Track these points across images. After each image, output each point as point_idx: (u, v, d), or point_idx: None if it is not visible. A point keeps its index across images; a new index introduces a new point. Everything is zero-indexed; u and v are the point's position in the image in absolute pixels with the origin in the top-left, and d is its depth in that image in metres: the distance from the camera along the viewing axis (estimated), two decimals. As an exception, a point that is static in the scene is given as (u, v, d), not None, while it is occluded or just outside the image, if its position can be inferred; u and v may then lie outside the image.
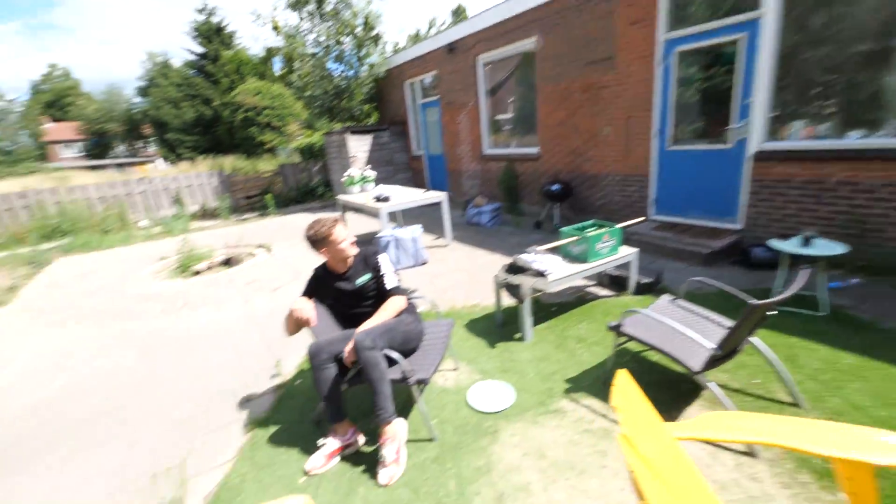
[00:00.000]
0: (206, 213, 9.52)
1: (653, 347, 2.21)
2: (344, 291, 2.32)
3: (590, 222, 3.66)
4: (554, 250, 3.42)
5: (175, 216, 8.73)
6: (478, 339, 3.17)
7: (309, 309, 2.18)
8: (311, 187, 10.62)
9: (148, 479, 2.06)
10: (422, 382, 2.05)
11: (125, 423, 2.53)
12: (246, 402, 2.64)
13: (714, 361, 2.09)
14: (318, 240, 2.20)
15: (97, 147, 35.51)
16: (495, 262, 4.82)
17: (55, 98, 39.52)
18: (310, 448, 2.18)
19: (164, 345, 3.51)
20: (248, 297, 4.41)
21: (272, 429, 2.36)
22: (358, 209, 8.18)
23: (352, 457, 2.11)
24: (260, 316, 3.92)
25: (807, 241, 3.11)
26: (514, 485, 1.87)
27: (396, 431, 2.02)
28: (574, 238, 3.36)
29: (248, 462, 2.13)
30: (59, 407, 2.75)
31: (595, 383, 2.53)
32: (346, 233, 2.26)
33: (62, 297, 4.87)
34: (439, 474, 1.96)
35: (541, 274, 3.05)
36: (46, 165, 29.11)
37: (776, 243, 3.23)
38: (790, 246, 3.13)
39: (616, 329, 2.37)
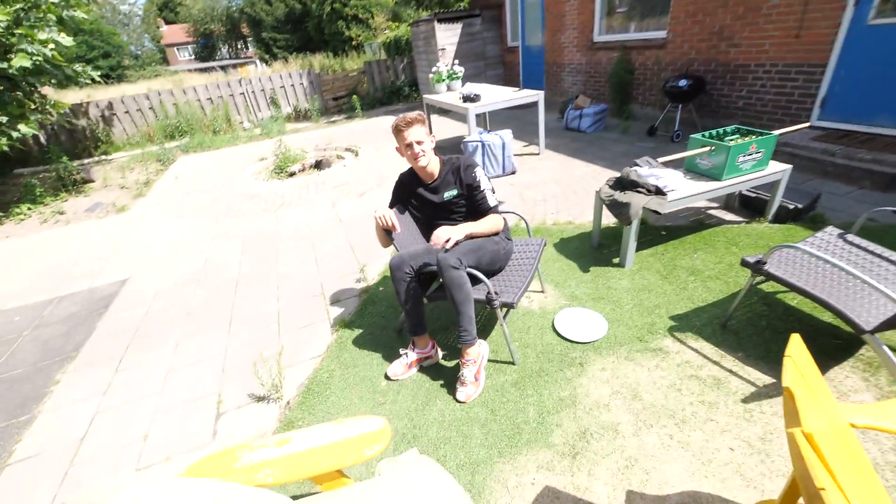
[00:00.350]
0: (298, 115, 9.79)
1: (807, 295, 1.75)
2: (429, 202, 2.14)
3: (730, 128, 2.91)
4: (673, 163, 2.82)
5: (272, 118, 9.11)
6: (569, 260, 2.89)
7: (391, 216, 2.07)
8: (397, 87, 10.21)
9: (250, 366, 2.32)
10: (507, 306, 1.90)
11: (229, 313, 2.84)
12: (333, 302, 2.78)
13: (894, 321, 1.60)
14: (394, 132, 2.00)
15: (205, 49, 37.74)
16: (594, 175, 4.25)
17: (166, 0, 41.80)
18: (391, 354, 2.24)
19: (262, 242, 3.81)
20: (336, 201, 4.53)
21: (356, 332, 2.47)
22: (444, 110, 7.72)
23: (431, 369, 2.13)
24: (347, 220, 4.02)
25: None
26: (601, 423, 1.74)
27: (479, 353, 1.96)
28: (706, 148, 2.70)
29: (335, 360, 2.27)
30: (177, 294, 3.19)
31: (709, 324, 2.17)
32: (421, 135, 1.97)
33: (184, 192, 5.50)
34: (518, 399, 1.89)
35: (658, 191, 2.55)
36: (168, 69, 32.01)
37: None
38: None
39: (755, 267, 1.91)
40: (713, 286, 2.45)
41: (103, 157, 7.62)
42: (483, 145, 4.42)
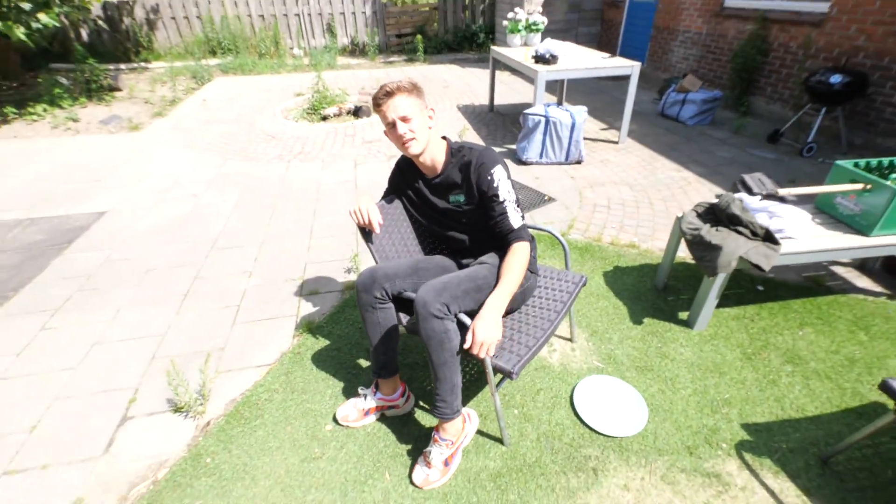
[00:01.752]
0: (354, 49, 9.35)
1: None
2: (430, 203, 1.67)
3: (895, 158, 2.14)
4: (804, 197, 2.11)
5: (326, 48, 8.73)
6: (618, 300, 2.32)
7: (373, 211, 1.62)
8: (471, 32, 9.42)
9: (184, 357, 2.03)
10: (503, 374, 1.43)
11: (188, 282, 2.57)
12: (309, 294, 2.43)
13: None
14: (373, 106, 1.50)
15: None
16: (682, 185, 3.52)
17: None
18: (354, 384, 1.87)
19: (261, 197, 3.52)
20: (361, 160, 4.13)
21: (322, 342, 2.11)
22: (513, 68, 7.04)
23: (396, 420, 1.73)
24: (363, 186, 3.62)
25: None
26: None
27: (460, 432, 1.53)
28: (857, 185, 1.98)
29: (282, 378, 1.93)
30: (145, 244, 2.96)
31: (801, 452, 1.58)
32: (409, 109, 1.44)
33: (205, 119, 5.33)
34: (493, 500, 1.46)
35: (769, 237, 1.90)
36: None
37: None
38: None
39: (893, 393, 1.29)
40: (819, 388, 1.83)
41: (142, 64, 7.66)
42: (547, 122, 3.78)
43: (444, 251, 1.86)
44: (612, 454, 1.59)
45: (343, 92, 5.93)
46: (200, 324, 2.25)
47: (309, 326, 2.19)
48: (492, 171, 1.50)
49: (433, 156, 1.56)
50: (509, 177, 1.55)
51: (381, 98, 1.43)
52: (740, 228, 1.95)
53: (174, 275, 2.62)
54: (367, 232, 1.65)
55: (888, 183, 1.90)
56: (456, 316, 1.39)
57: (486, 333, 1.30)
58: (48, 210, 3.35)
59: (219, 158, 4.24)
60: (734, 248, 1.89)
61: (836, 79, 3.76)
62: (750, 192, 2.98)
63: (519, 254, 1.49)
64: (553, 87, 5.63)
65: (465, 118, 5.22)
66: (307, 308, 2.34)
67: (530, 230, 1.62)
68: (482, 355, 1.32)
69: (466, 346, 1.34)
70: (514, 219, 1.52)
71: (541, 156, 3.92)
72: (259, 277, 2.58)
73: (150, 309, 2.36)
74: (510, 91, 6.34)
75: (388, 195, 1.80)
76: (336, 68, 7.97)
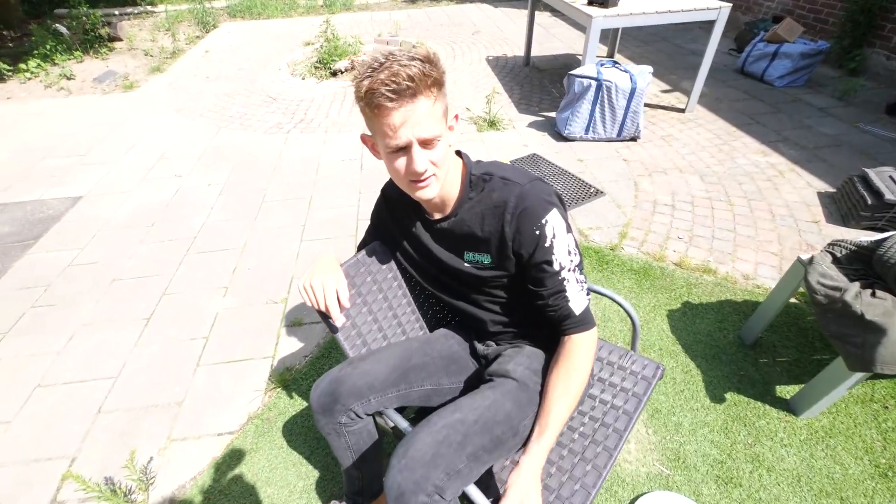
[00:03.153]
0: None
1: None
2: (430, 255, 1.06)
3: None
4: None
5: (344, -16, 7.69)
6: (689, 359, 1.71)
7: (332, 293, 1.01)
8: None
9: (134, 413, 1.60)
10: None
11: (156, 299, 2.11)
12: (293, 325, 1.92)
13: None
14: (364, 105, 0.78)
15: None
16: (772, 175, 2.71)
17: None
18: (330, 479, 1.40)
19: (253, 179, 2.95)
20: (371, 131, 3.46)
21: (298, 404, 1.61)
22: (558, 12, 5.94)
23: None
24: (370, 169, 2.98)
25: None
26: None
27: None
28: None
29: (245, 459, 1.47)
30: (117, 241, 2.49)
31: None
32: (431, 124, 0.78)
33: (204, 76, 4.67)
34: None
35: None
36: None
37: None
38: None
39: None
40: None
41: (148, 7, 6.91)
42: (599, 87, 2.95)
43: (453, 321, 1.27)
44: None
45: (357, 40, 5.09)
46: (160, 362, 1.81)
47: (284, 379, 1.70)
48: (541, 221, 0.86)
49: (444, 188, 0.92)
50: (569, 228, 0.90)
51: (383, 95, 0.73)
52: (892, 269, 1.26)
53: (140, 288, 2.17)
54: (327, 316, 1.07)
55: None
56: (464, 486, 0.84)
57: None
58: (24, 193, 2.92)
59: (212, 127, 3.65)
60: (883, 308, 1.22)
61: None
62: (877, 196, 2.19)
63: (580, 357, 0.89)
64: (608, 37, 4.60)
65: (495, 75, 4.35)
66: (286, 347, 1.84)
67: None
68: None
69: None
70: (577, 300, 0.89)
71: (587, 130, 3.14)
72: (236, 296, 2.09)
73: (107, 335, 1.94)
74: (549, 37, 5.30)
75: (369, 241, 1.20)
76: (353, 9, 6.99)
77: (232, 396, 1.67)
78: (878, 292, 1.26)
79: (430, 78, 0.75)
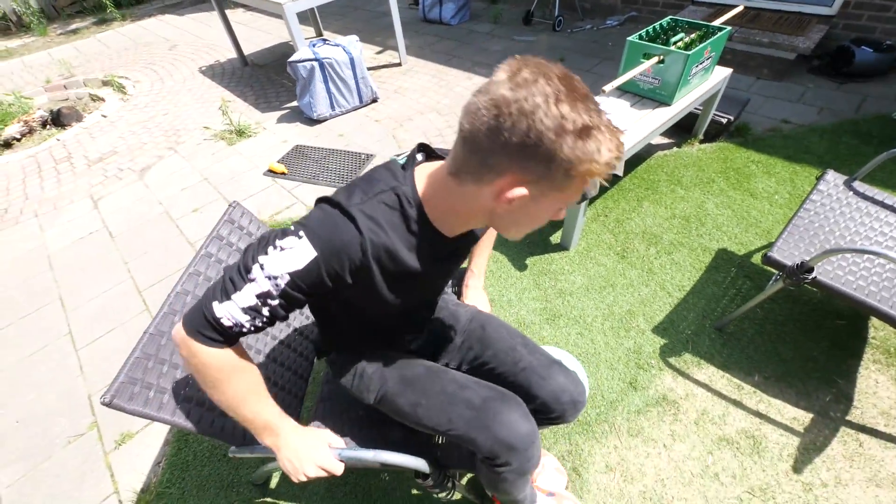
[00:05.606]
0: (7, 26, 5.97)
1: (872, 310, 1.14)
2: (427, 284, 0.83)
3: (665, 21, 2.04)
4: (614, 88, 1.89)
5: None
6: (495, 251, 1.95)
7: (326, 456, 0.79)
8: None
9: None
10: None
11: None
12: (122, 446, 1.46)
13: None
14: (582, 166, 0.53)
15: None
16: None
17: None
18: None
19: (-38, 311, 2.00)
20: (99, 192, 2.65)
21: (181, 512, 1.28)
22: (244, 6, 5.41)
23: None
24: (122, 232, 2.32)
25: None
26: None
27: None
28: (653, 60, 1.81)
29: None
30: None
31: (703, 333, 1.55)
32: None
33: None
34: None
35: (609, 142, 1.64)
36: None
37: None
38: None
39: (796, 276, 1.22)
40: (681, 259, 1.82)
41: None
42: (322, 66, 2.85)
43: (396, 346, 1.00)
44: (579, 439, 1.32)
45: (18, 96, 3.71)
46: None
47: (147, 501, 1.30)
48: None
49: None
50: None
51: (612, 165, 0.54)
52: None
53: None
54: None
55: (678, 49, 1.77)
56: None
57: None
58: None
59: None
60: None
61: (558, -53, 3.60)
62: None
63: (491, 235, 1.15)
64: (303, 17, 4.40)
65: (217, 85, 3.78)
66: (128, 470, 1.40)
67: None
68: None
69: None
70: None
71: (332, 107, 3.05)
72: (16, 463, 1.45)
73: None
74: (257, 33, 4.83)
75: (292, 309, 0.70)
76: (-9, 59, 5.01)
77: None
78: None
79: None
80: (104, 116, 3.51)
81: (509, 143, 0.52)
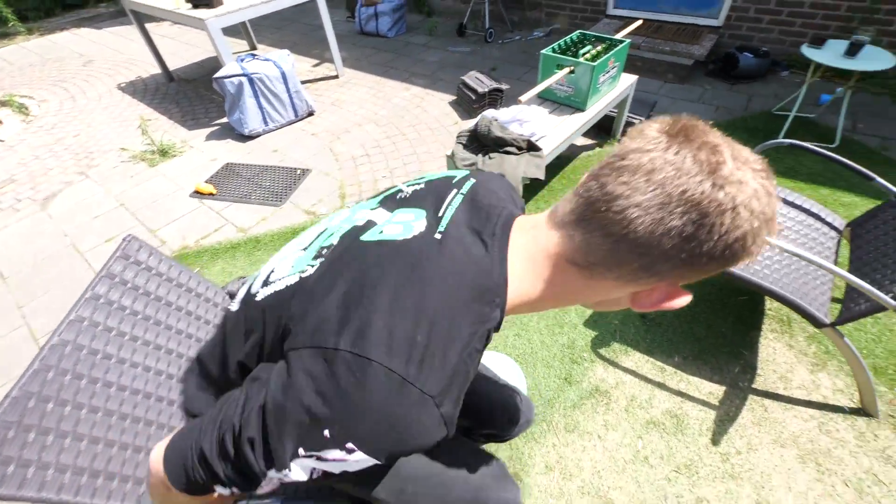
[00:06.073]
0: None
1: (766, 292, 1.25)
2: None
3: (575, 35, 2.15)
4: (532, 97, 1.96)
5: None
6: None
7: None
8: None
9: None
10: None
11: None
12: None
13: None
14: (746, 248, 0.38)
15: None
16: (420, 101, 3.15)
17: None
18: None
19: None
20: None
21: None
22: (163, 19, 5.11)
23: None
24: (18, 281, 2.06)
25: (855, 49, 2.13)
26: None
27: None
28: (565, 70, 1.90)
29: None
30: None
31: (628, 320, 1.63)
32: None
33: None
34: None
35: (532, 146, 1.70)
36: None
37: (809, 51, 2.23)
38: (828, 55, 2.17)
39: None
40: (607, 254, 1.90)
41: None
42: (251, 81, 2.73)
43: None
44: (519, 442, 1.33)
45: None
46: None
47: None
48: None
49: None
50: None
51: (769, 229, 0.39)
52: (508, 148, 1.69)
53: None
54: None
55: (585, 61, 1.86)
56: None
57: None
58: None
59: None
60: (513, 170, 1.64)
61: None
62: (475, 92, 2.81)
63: None
64: (236, 31, 4.22)
65: (139, 102, 3.51)
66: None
67: None
68: None
69: None
70: None
71: (265, 122, 2.93)
72: None
73: None
74: (185, 46, 4.56)
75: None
76: None
77: None
78: (491, 155, 1.66)
79: None
80: (1, 141, 3.14)
81: (701, 254, 0.37)
